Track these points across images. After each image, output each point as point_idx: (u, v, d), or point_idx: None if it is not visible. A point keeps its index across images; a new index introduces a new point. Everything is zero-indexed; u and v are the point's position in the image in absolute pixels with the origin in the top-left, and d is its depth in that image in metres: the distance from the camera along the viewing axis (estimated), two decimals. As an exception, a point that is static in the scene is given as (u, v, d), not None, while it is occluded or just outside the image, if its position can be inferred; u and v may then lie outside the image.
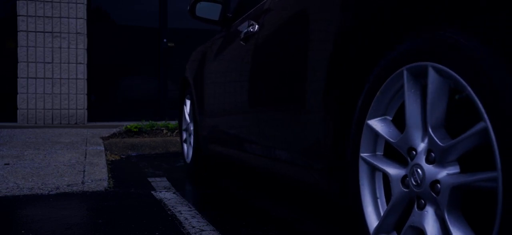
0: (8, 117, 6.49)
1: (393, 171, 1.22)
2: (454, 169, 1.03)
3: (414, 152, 1.14)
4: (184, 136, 3.94)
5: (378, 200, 1.32)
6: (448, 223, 1.00)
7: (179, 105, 4.10)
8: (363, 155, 1.33)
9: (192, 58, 3.72)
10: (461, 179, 0.99)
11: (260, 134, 2.15)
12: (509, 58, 0.90)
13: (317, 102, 1.58)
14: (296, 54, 1.76)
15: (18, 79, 6.36)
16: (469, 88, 0.96)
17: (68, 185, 2.91)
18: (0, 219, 2.20)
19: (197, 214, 2.28)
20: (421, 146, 1.12)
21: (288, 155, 1.86)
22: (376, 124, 1.29)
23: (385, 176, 1.29)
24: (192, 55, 3.76)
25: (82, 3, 6.56)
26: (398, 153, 1.23)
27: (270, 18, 2.14)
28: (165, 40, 7.29)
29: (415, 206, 1.13)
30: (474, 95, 0.95)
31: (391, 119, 1.28)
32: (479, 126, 0.94)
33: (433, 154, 1.08)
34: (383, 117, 1.28)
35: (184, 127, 3.94)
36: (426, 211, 1.08)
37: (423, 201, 1.10)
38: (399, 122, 1.24)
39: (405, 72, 1.16)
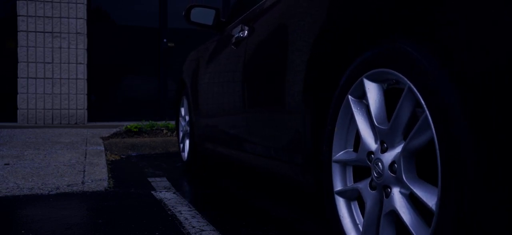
0: (8, 117, 6.49)
1: (362, 184, 1.41)
2: (402, 145, 1.23)
3: (372, 155, 1.34)
4: (181, 135, 3.97)
5: (359, 225, 1.48)
6: (409, 185, 1.18)
7: (176, 105, 4.14)
8: (338, 189, 1.53)
9: (189, 59, 3.78)
10: (405, 144, 1.21)
11: (250, 133, 2.26)
12: (413, 37, 1.18)
13: (297, 104, 1.74)
14: (277, 61, 1.92)
15: (18, 79, 6.36)
16: (395, 72, 1.21)
17: (68, 185, 2.91)
18: (0, 219, 2.20)
19: (197, 214, 2.28)
20: (375, 146, 1.34)
21: (273, 151, 2.00)
22: (341, 157, 1.52)
23: (361, 205, 1.46)
24: (189, 56, 3.82)
25: (82, 3, 6.56)
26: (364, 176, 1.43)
27: (259, 24, 2.25)
28: (165, 40, 7.29)
29: (384, 197, 1.28)
30: (399, 74, 1.20)
31: (352, 149, 1.51)
32: (405, 90, 1.17)
33: (385, 144, 1.29)
34: (345, 151, 1.52)
35: (181, 126, 3.98)
36: (393, 194, 1.24)
37: (389, 189, 1.26)
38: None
39: (350, 98, 1.44)
